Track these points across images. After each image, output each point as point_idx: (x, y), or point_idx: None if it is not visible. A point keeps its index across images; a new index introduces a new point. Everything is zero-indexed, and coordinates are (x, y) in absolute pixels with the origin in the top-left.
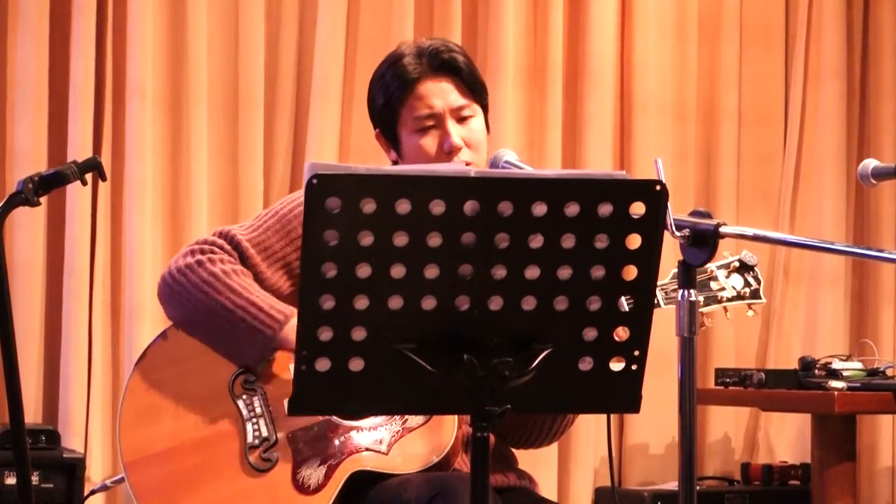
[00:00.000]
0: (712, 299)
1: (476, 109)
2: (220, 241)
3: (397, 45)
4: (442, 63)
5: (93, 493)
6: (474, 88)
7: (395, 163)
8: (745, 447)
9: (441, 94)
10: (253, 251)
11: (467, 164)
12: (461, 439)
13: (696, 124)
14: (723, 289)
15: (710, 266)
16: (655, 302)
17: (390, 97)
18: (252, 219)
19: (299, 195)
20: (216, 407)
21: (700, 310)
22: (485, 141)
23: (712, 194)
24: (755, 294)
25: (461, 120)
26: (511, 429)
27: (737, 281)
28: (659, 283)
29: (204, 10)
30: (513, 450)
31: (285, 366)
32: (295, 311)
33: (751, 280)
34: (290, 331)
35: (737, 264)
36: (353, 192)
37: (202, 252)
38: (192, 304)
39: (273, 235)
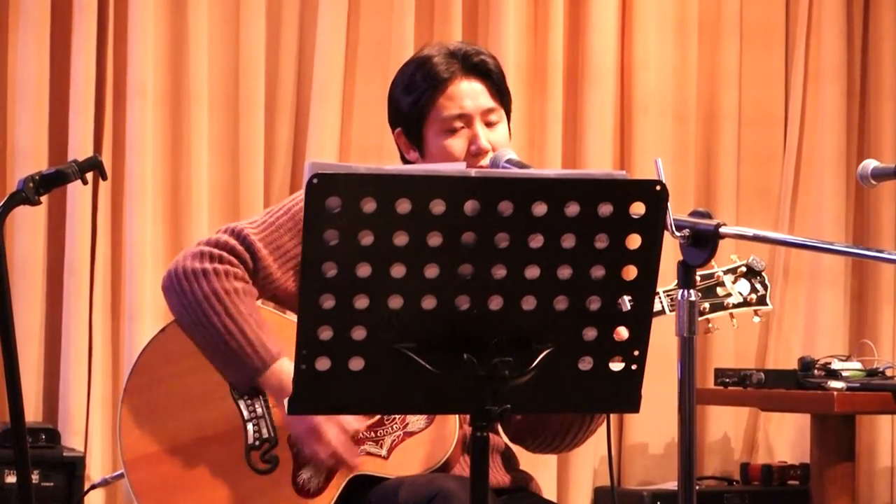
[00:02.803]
0: (718, 305)
1: (502, 115)
2: (233, 243)
3: (420, 49)
4: (474, 65)
5: (93, 487)
6: (503, 94)
7: (410, 163)
8: (744, 447)
9: (472, 95)
10: (265, 251)
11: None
12: (461, 443)
13: (696, 124)
14: (729, 294)
15: (718, 271)
16: (661, 308)
17: (420, 96)
18: (263, 214)
19: None
20: (217, 406)
21: (706, 316)
22: (508, 148)
23: (712, 194)
24: (762, 300)
25: (489, 124)
26: (532, 433)
27: (744, 287)
28: (664, 289)
29: (204, 10)
30: (513, 450)
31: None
32: (283, 352)
33: (758, 286)
34: (273, 374)
35: (744, 269)
36: (354, 192)
37: (211, 258)
38: (191, 312)
39: (285, 234)
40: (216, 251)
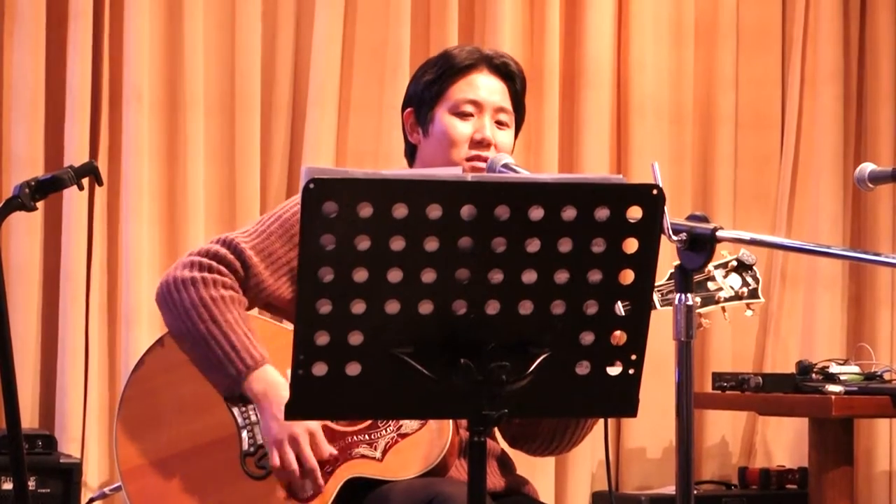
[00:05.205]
0: (710, 299)
1: (512, 123)
2: (223, 252)
3: None
4: (499, 65)
5: (92, 500)
6: (519, 104)
7: (415, 146)
8: (742, 451)
9: (490, 89)
10: (256, 259)
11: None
12: (457, 444)
13: (693, 127)
14: (720, 289)
15: (708, 265)
16: (652, 304)
17: (439, 76)
18: (254, 223)
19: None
20: (212, 415)
21: (698, 310)
22: (510, 154)
23: (709, 198)
24: (753, 293)
25: (499, 123)
26: (530, 436)
27: (735, 281)
28: (656, 284)
29: (200, 15)
30: (509, 455)
31: (281, 372)
32: (267, 359)
33: (749, 279)
34: (256, 380)
35: (735, 264)
36: (350, 197)
37: (201, 267)
38: (179, 321)
39: (277, 241)
40: (205, 261)
